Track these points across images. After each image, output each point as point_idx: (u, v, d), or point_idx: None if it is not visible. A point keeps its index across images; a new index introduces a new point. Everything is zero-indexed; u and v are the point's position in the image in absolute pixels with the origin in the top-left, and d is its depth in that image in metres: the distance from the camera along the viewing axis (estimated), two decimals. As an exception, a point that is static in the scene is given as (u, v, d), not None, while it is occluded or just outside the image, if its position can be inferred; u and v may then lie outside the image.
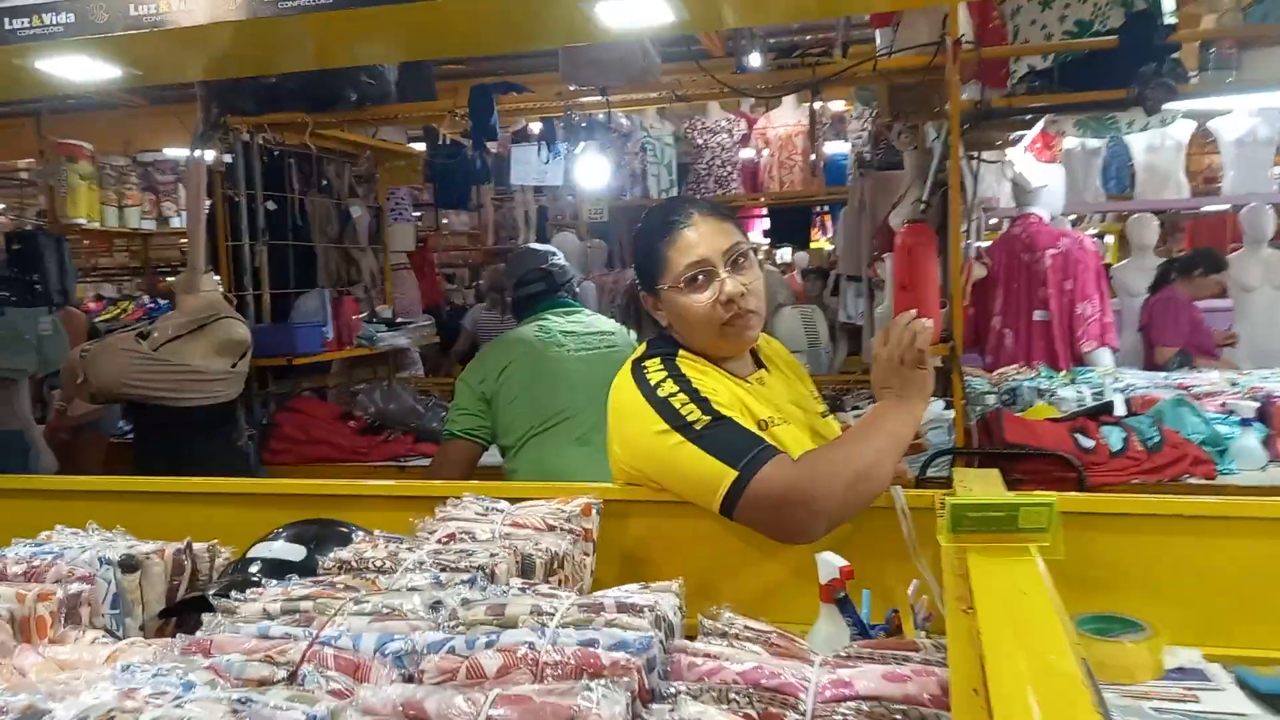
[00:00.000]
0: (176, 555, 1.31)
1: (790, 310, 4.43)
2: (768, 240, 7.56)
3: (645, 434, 1.52)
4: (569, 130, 3.57)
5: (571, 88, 3.40)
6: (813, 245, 8.14)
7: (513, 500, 1.47)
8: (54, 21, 1.58)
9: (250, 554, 1.33)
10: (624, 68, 3.19)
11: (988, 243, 4.41)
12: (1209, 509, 1.47)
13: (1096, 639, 1.34)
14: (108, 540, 1.35)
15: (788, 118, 6.04)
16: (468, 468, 2.54)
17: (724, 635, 1.00)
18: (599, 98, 3.41)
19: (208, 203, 3.65)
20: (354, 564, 1.19)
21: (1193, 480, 2.91)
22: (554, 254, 2.75)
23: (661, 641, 0.95)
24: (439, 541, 1.30)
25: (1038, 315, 4.02)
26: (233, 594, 1.04)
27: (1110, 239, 7.87)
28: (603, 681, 0.84)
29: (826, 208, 7.28)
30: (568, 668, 0.88)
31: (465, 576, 1.12)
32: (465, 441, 2.53)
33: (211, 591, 1.16)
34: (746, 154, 6.28)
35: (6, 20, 1.60)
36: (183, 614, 1.27)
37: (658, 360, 1.59)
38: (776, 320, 4.39)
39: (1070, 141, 5.27)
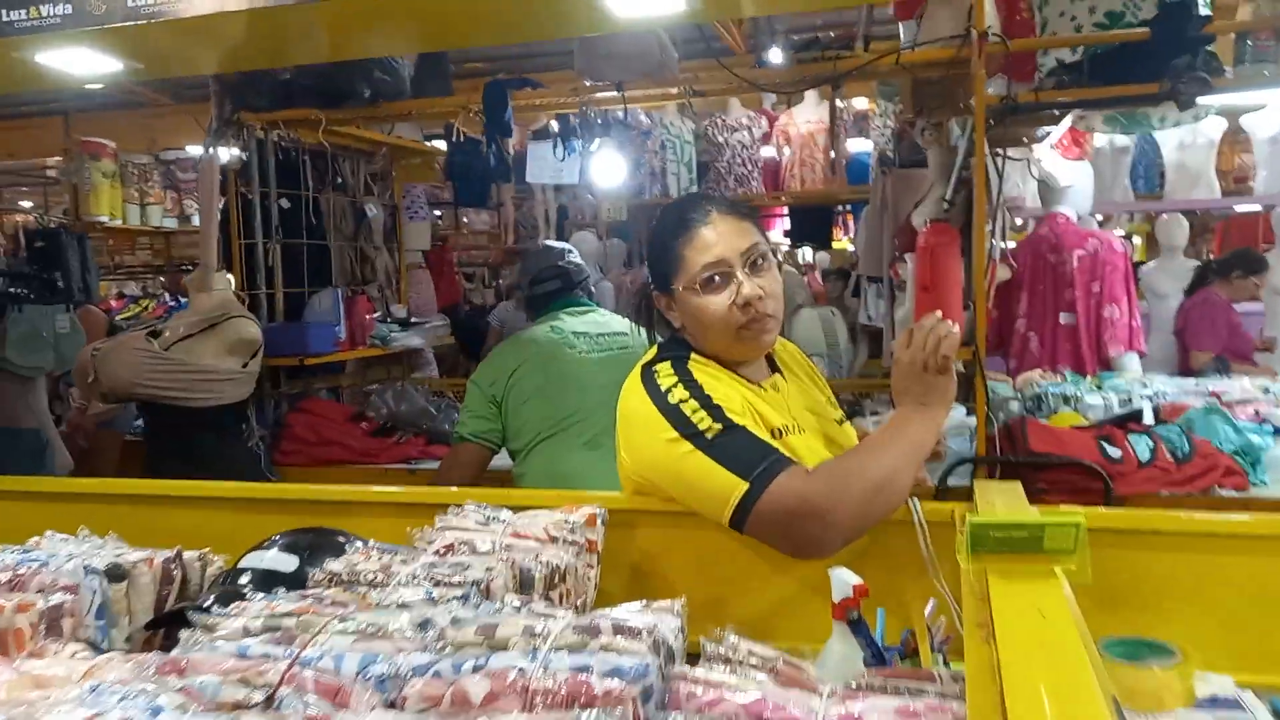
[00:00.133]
0: (165, 564, 1.26)
1: (808, 312, 4.35)
2: (788, 240, 7.47)
3: (654, 442, 1.47)
4: (585, 127, 3.52)
5: (587, 83, 3.35)
6: (834, 246, 8.05)
7: (516, 509, 1.43)
8: (51, 13, 1.55)
9: (242, 563, 1.28)
10: (640, 62, 3.14)
11: (1012, 243, 4.32)
12: (1244, 527, 1.40)
13: (1123, 664, 1.27)
14: (97, 547, 1.31)
15: (810, 115, 5.96)
16: (477, 471, 2.50)
17: (727, 661, 0.94)
18: (615, 93, 3.36)
19: (221, 200, 3.63)
20: (345, 577, 1.15)
21: (1224, 492, 2.82)
22: (570, 251, 2.71)
23: (660, 668, 0.89)
24: (436, 553, 1.25)
25: (1064, 318, 3.93)
26: (213, 609, 0.99)
27: (1138, 240, 7.72)
28: (594, 712, 0.79)
29: (849, 207, 7.19)
30: (558, 696, 0.83)
31: (459, 592, 1.07)
32: (475, 445, 2.49)
33: (199, 605, 1.11)
34: (767, 152, 6.20)
35: (4, 12, 1.57)
36: (171, 626, 1.23)
37: (668, 364, 1.54)
38: (794, 322, 4.32)
39: (1098, 140, 5.15)
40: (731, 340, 1.53)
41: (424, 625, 0.96)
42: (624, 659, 0.87)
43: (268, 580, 1.22)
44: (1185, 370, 4.32)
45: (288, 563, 1.26)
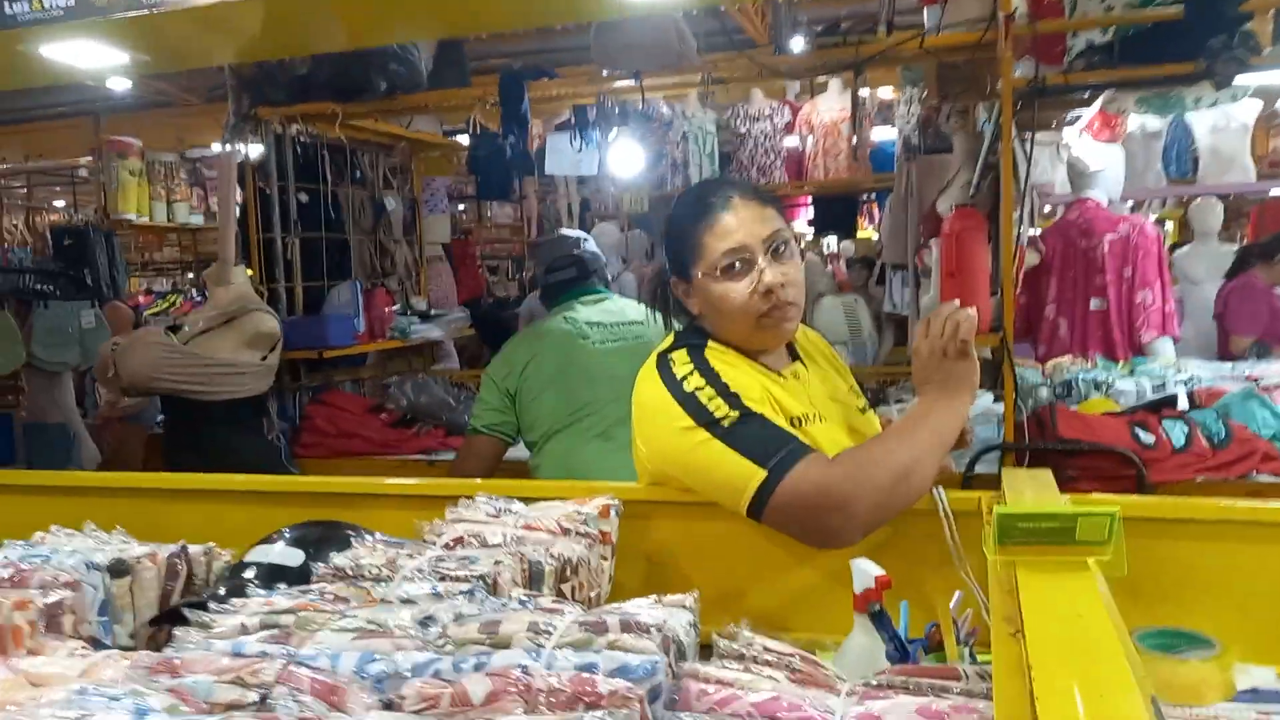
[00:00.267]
0: (170, 559, 1.24)
1: (831, 299, 4.28)
2: (811, 229, 7.40)
3: (669, 430, 1.43)
4: (603, 117, 3.47)
5: (605, 73, 3.30)
6: (859, 235, 7.96)
7: (528, 501, 1.39)
8: (54, 5, 1.53)
9: (248, 558, 1.26)
10: (658, 52, 3.08)
11: (1038, 230, 4.23)
12: (1285, 514, 1.34)
13: (1160, 657, 1.22)
14: (102, 543, 1.29)
15: (833, 104, 5.88)
16: (492, 464, 2.48)
17: (741, 658, 0.90)
18: (633, 83, 3.31)
19: (240, 195, 3.63)
20: (349, 572, 1.12)
21: (1262, 478, 2.75)
22: (585, 240, 2.68)
23: (670, 665, 0.86)
24: (445, 546, 1.22)
25: (1094, 304, 3.84)
26: (211, 606, 0.97)
27: (1170, 225, 7.56)
28: (599, 713, 0.75)
29: (873, 196, 7.10)
30: (562, 696, 0.79)
31: (465, 587, 1.04)
32: (489, 438, 2.47)
33: (198, 601, 1.09)
34: (790, 142, 6.13)
35: (7, 4, 1.55)
36: (176, 622, 1.20)
37: (684, 352, 1.50)
38: (816, 310, 4.26)
39: (1129, 124, 5.03)
40: (752, 328, 1.49)
41: (426, 622, 0.93)
42: (631, 657, 0.83)
43: (274, 575, 1.20)
44: (1225, 355, 4.21)
45: (294, 557, 1.23)
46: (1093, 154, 4.21)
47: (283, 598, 1.00)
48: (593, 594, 1.25)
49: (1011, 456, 2.85)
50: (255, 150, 3.73)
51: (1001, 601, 0.96)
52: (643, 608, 0.95)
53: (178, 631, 0.94)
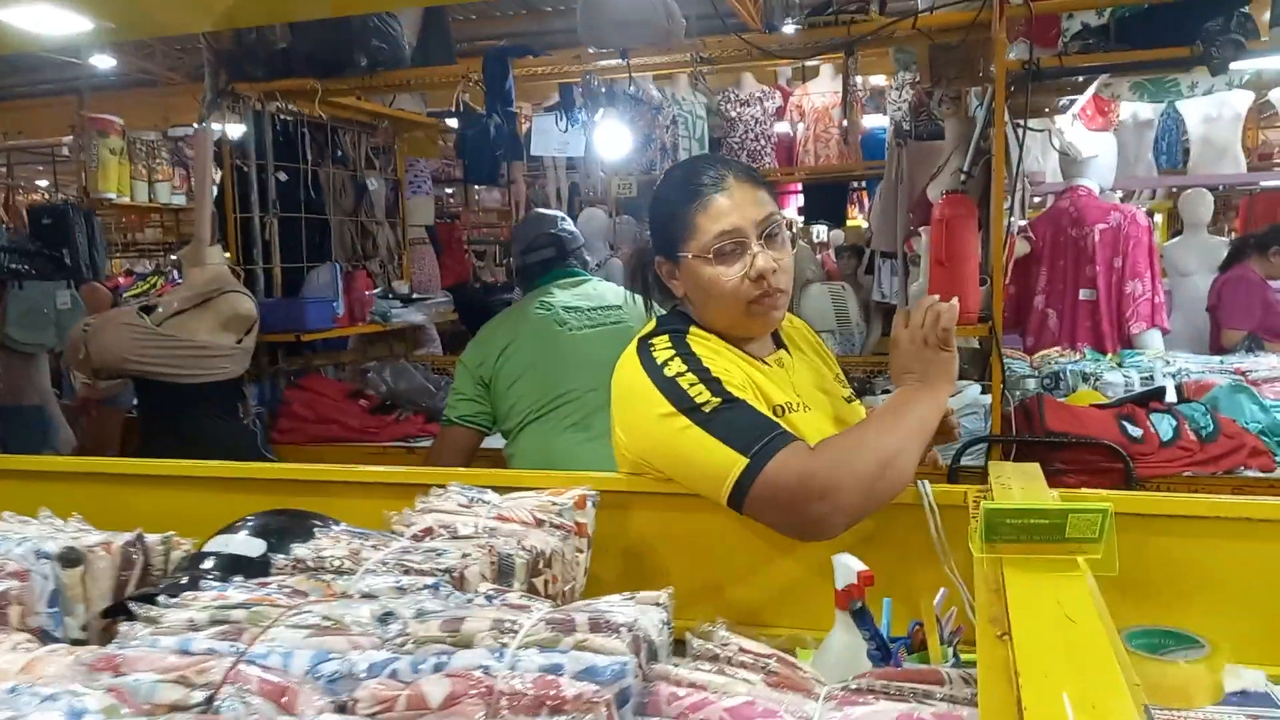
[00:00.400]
0: (125, 548, 1.19)
1: (819, 287, 4.24)
2: (801, 217, 7.35)
3: (649, 417, 1.39)
4: (589, 97, 3.41)
5: (591, 50, 3.24)
6: (849, 223, 7.91)
7: (504, 490, 1.34)
8: (11, -34, 1.46)
9: (207, 547, 1.21)
10: (645, 29, 3.03)
11: (1025, 221, 4.19)
12: (1277, 511, 1.30)
13: (1148, 657, 1.19)
14: (57, 530, 1.24)
15: (824, 89, 5.83)
16: (467, 456, 2.43)
17: (715, 659, 0.86)
18: (620, 62, 3.25)
19: (217, 173, 3.56)
20: (310, 564, 1.07)
21: (1250, 473, 2.73)
22: (563, 219, 2.62)
23: (640, 667, 0.81)
24: (413, 537, 1.18)
25: (1084, 294, 3.81)
26: (159, 599, 0.92)
27: (1159, 218, 7.53)
28: (564, 719, 0.71)
29: (863, 184, 7.06)
30: (524, 699, 0.75)
31: (429, 581, 0.99)
32: (464, 429, 2.41)
33: (149, 593, 1.04)
34: (781, 128, 6.08)
35: (-39, -33, 1.48)
36: (130, 614, 1.16)
37: (666, 338, 1.45)
38: (804, 297, 4.21)
39: (1121, 112, 5.00)
40: (741, 315, 1.45)
41: (386, 618, 0.88)
42: (599, 658, 0.79)
43: (233, 566, 1.15)
44: (1216, 348, 4.18)
45: (255, 547, 1.18)
46: (1085, 141, 4.17)
47: (237, 591, 0.95)
48: (567, 588, 1.21)
49: (998, 449, 2.82)
50: (237, 130, 3.65)
51: (987, 601, 0.92)
52: (614, 605, 0.90)
53: (122, 627, 0.89)
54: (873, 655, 1.11)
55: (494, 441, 2.52)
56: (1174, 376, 3.24)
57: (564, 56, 3.52)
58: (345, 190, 4.20)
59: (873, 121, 6.18)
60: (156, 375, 2.84)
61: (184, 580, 1.13)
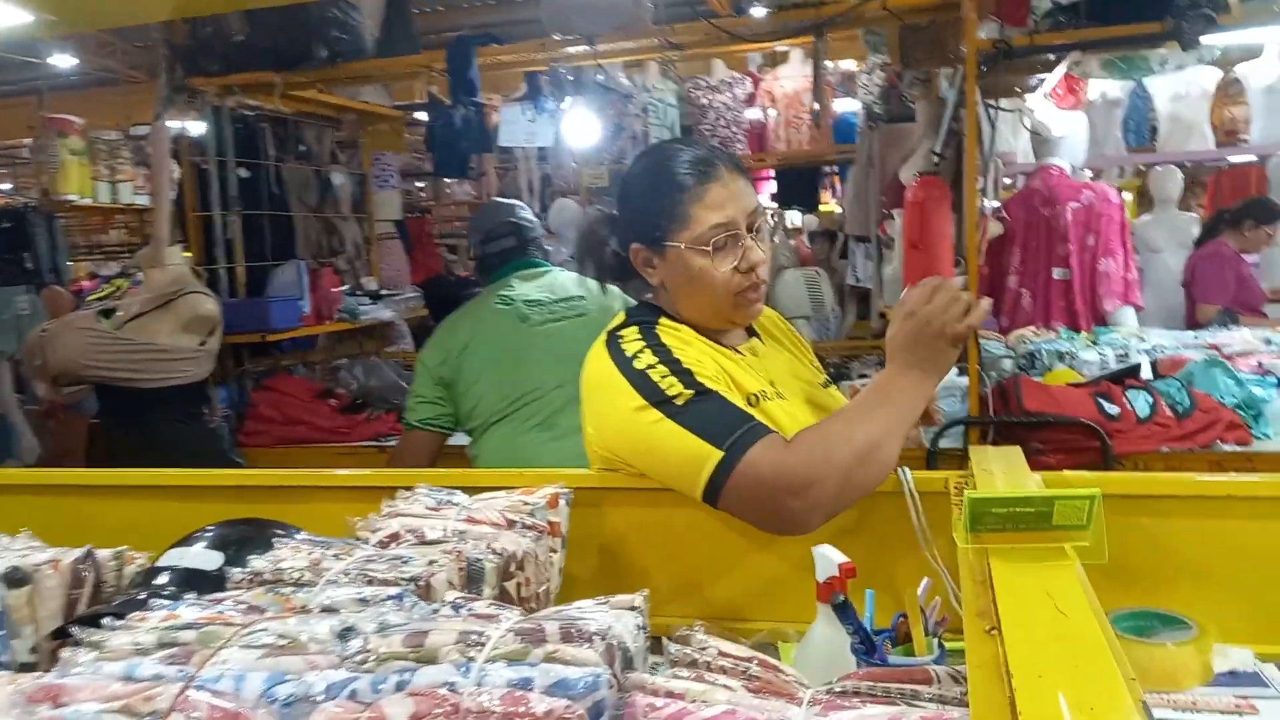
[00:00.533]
0: (75, 565, 1.13)
1: (793, 273, 4.20)
2: (775, 204, 7.33)
3: (620, 411, 1.35)
4: (556, 85, 3.35)
5: (556, 37, 3.18)
6: (822, 208, 7.90)
7: (472, 490, 1.30)
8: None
9: (162, 561, 1.16)
10: (611, 14, 2.97)
11: (997, 203, 4.18)
12: (1260, 488, 1.29)
13: (1135, 640, 1.17)
14: (3, 548, 1.18)
15: (795, 73, 5.79)
16: (430, 459, 2.36)
17: (693, 664, 0.82)
18: (586, 48, 3.19)
19: (176, 171, 3.47)
20: (268, 576, 1.02)
21: (1226, 447, 2.73)
22: (521, 207, 2.56)
23: (615, 677, 0.77)
24: (378, 544, 1.13)
25: (1057, 273, 3.81)
26: (105, 620, 0.87)
27: (1129, 196, 7.57)
28: (534, 737, 0.67)
29: (836, 169, 7.04)
30: (492, 718, 0.71)
31: (393, 592, 0.95)
32: (425, 432, 2.34)
33: (95, 614, 0.99)
34: (753, 114, 6.05)
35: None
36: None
37: (635, 329, 1.41)
38: (778, 284, 4.17)
39: (1090, 91, 5.00)
40: (727, 306, 1.42)
41: (346, 634, 0.83)
42: (571, 670, 0.74)
43: (189, 581, 1.10)
44: (1192, 324, 4.19)
45: (212, 560, 1.13)
46: (1056, 120, 4.16)
47: (189, 609, 0.90)
48: (541, 589, 1.17)
49: (976, 430, 2.81)
50: (198, 127, 3.55)
51: (974, 593, 0.89)
52: (587, 611, 0.86)
53: (64, 653, 0.84)
54: (856, 649, 1.07)
55: (463, 438, 2.46)
56: (1149, 353, 3.24)
57: (530, 45, 3.46)
58: (309, 186, 4.11)
59: (843, 106, 6.16)
60: (115, 380, 2.77)
61: (140, 597, 1.08)
